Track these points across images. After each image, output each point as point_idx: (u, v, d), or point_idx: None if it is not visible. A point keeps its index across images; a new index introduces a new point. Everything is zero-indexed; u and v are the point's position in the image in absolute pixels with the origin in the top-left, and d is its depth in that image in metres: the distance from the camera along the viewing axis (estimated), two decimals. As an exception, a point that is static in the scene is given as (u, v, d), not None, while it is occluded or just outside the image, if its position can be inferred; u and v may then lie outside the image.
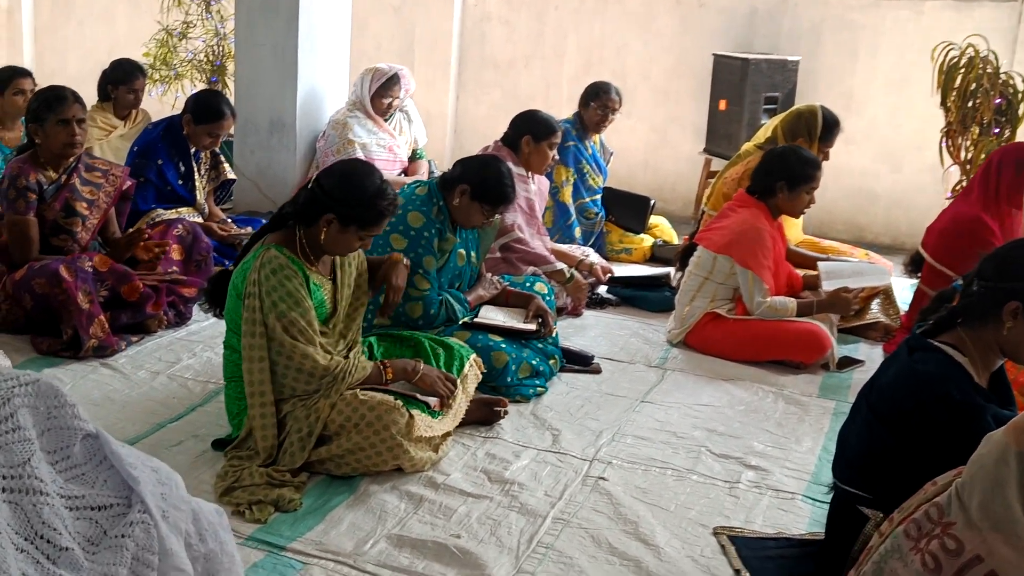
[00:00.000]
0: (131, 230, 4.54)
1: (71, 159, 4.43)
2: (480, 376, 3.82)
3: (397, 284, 3.65)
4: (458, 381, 3.62)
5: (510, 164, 5.05)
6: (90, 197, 4.45)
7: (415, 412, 3.33)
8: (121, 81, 6.24)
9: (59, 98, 4.31)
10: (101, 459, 1.80)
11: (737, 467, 3.59)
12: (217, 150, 5.37)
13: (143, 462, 1.82)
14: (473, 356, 3.80)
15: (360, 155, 6.46)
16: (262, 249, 3.31)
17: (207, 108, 5.08)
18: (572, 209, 6.08)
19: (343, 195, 3.28)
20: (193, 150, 5.22)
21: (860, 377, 4.40)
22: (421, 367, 3.48)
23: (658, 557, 2.97)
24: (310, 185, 3.37)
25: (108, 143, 6.12)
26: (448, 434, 3.59)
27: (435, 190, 4.16)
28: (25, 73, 5.67)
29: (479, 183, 4.09)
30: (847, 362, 4.68)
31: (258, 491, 3.12)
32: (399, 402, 3.29)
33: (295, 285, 3.25)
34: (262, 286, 3.23)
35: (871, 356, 4.78)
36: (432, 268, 4.08)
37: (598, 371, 4.45)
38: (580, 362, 4.47)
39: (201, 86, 7.17)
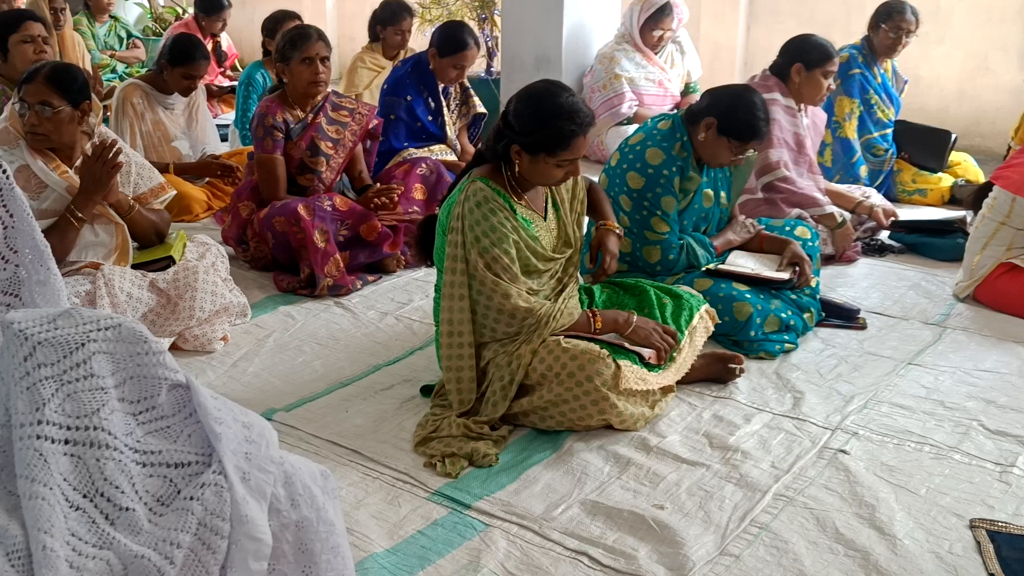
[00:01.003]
0: (372, 189, 4.46)
1: (318, 98, 4.43)
2: (711, 329, 3.44)
3: (612, 250, 3.32)
4: (685, 333, 3.28)
5: (778, 95, 4.61)
6: (335, 136, 4.44)
7: (624, 363, 3.02)
8: (389, 21, 6.21)
9: (303, 36, 4.31)
10: (191, 412, 1.65)
11: (1015, 447, 3.01)
12: (467, 84, 5.24)
13: (234, 416, 1.66)
14: (704, 307, 3.43)
15: (627, 90, 6.15)
16: (467, 182, 3.12)
17: (450, 39, 4.95)
18: (857, 145, 5.45)
19: (521, 121, 3.02)
20: (442, 86, 5.10)
21: None
22: (635, 319, 3.16)
23: (892, 550, 2.51)
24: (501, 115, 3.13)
25: (377, 86, 6.15)
26: (671, 390, 3.27)
27: (679, 124, 3.79)
28: (294, 16, 5.79)
29: (727, 116, 3.67)
30: None
31: (454, 443, 2.95)
32: (604, 351, 3.00)
33: (500, 219, 3.03)
34: (465, 220, 3.04)
35: None
36: (671, 209, 3.73)
37: (863, 327, 3.93)
38: (842, 316, 3.97)
39: (472, 24, 7.08)
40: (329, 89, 4.53)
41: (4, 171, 1.88)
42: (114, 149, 3.47)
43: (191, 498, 1.54)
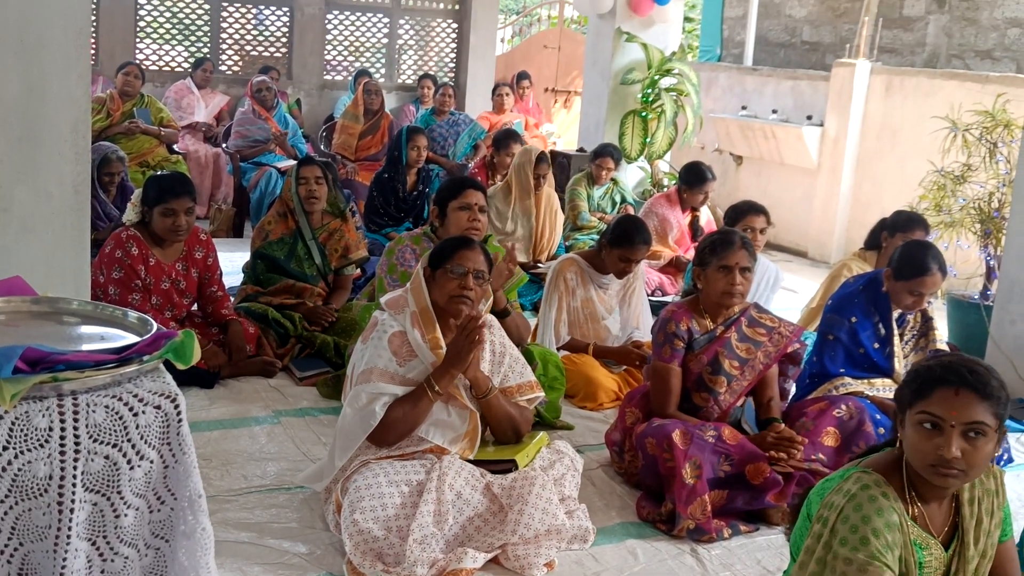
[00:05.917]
0: (773, 431, 3.85)
1: (733, 310, 3.97)
2: None
3: None
4: None
5: None
6: (745, 356, 3.93)
7: None
8: (900, 229, 5.46)
9: (725, 243, 3.89)
10: None
11: None
12: (930, 315, 4.44)
13: None
14: None
15: None
16: (855, 469, 2.49)
17: (908, 261, 4.19)
18: None
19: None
20: (897, 312, 4.36)
21: None
22: None
23: None
24: None
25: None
26: None
27: None
28: (758, 210, 5.37)
29: None
30: None
31: None
32: None
33: (886, 522, 2.34)
34: (841, 511, 2.37)
35: None
36: None
37: None
38: None
39: (973, 238, 6.16)
40: (750, 302, 4.07)
41: (176, 403, 1.69)
42: (476, 324, 3.36)
43: None
